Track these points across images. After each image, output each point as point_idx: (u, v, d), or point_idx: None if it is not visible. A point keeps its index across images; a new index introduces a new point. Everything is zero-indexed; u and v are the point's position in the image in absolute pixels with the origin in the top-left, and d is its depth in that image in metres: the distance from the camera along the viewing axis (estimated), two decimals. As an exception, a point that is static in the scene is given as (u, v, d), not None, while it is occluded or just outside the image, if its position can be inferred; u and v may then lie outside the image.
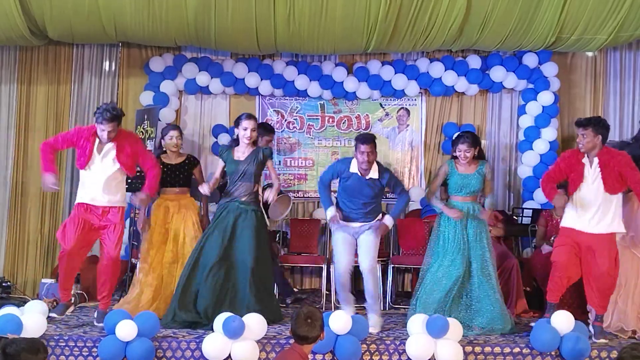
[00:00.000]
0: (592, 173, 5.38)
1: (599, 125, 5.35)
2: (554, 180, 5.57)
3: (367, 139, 5.63)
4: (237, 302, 5.67)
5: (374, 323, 5.56)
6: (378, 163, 5.75)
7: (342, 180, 5.76)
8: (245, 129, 5.87)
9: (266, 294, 5.85)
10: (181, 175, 6.34)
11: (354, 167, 5.69)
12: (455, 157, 5.89)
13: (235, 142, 6.05)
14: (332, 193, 6.02)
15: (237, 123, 5.99)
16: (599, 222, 5.35)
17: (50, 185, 5.47)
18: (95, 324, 5.59)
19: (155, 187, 5.81)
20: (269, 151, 5.98)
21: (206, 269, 5.71)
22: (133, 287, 6.17)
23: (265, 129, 6.84)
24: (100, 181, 5.51)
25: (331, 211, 5.74)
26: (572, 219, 5.48)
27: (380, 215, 5.84)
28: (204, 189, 5.84)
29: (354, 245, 5.78)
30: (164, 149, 6.44)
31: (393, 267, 6.97)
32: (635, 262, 5.67)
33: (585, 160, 5.43)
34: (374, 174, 5.68)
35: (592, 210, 5.37)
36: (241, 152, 5.95)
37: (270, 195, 5.85)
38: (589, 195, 5.39)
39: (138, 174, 6.68)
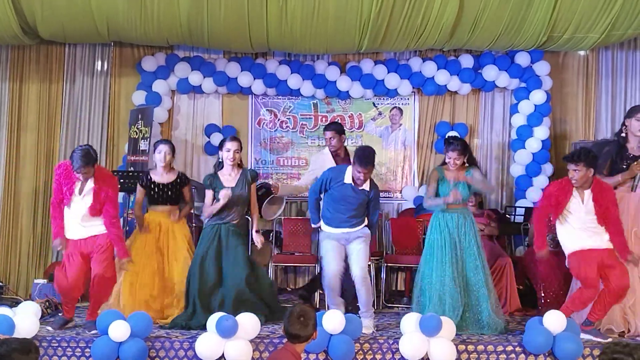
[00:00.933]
0: (585, 205, 5.39)
1: (589, 158, 5.32)
2: (547, 221, 5.64)
3: (368, 163, 5.63)
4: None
5: (367, 325, 5.56)
6: (371, 180, 5.81)
7: (333, 188, 5.77)
8: (229, 151, 5.90)
9: (270, 296, 5.96)
10: (172, 194, 6.21)
11: (348, 178, 5.72)
12: (444, 164, 5.90)
13: (219, 166, 6.05)
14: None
15: (220, 146, 6.03)
16: (601, 237, 5.39)
17: (59, 249, 5.76)
18: (87, 332, 5.47)
19: (125, 249, 5.63)
20: (255, 173, 6.11)
21: (207, 286, 5.77)
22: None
23: (337, 129, 6.71)
24: (79, 217, 5.47)
25: (318, 225, 5.93)
26: (572, 242, 5.45)
27: (365, 221, 5.87)
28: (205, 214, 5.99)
29: (343, 251, 5.82)
30: (155, 164, 6.31)
31: (386, 266, 6.98)
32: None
33: (575, 193, 5.43)
34: (366, 185, 5.75)
35: (589, 230, 5.40)
36: (228, 176, 5.96)
37: (257, 240, 5.99)
38: (579, 222, 5.41)
39: (138, 173, 6.65)
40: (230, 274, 5.81)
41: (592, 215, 5.38)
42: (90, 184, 5.44)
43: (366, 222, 5.86)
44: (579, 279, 5.48)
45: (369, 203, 5.83)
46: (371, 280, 6.77)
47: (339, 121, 7.75)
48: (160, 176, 6.21)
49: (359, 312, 5.71)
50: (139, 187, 6.22)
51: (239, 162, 6.02)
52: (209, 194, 5.96)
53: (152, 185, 6.17)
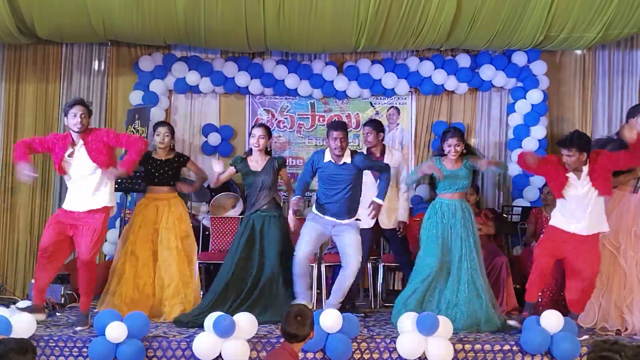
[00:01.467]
0: (581, 183, 5.37)
1: (582, 142, 5.31)
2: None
3: (339, 126, 5.76)
4: (257, 303, 5.80)
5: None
6: (350, 149, 5.81)
7: (319, 171, 5.83)
8: (254, 136, 6.06)
9: (283, 299, 5.91)
10: (170, 171, 6.15)
11: (327, 156, 5.77)
12: (442, 155, 5.88)
13: (250, 152, 6.18)
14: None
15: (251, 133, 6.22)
16: (588, 224, 5.38)
17: (26, 173, 5.26)
18: (75, 328, 5.45)
19: (132, 163, 5.58)
20: (282, 160, 6.16)
21: (238, 277, 5.88)
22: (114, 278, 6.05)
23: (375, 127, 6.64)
24: (78, 186, 5.47)
25: (295, 198, 5.85)
26: (560, 220, 5.49)
27: (354, 215, 5.85)
28: (217, 167, 5.98)
29: (322, 238, 5.90)
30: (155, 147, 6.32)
31: (384, 266, 6.98)
32: (616, 263, 5.70)
33: (570, 174, 5.42)
34: (346, 159, 5.75)
35: (580, 214, 5.39)
36: (256, 162, 6.06)
37: (291, 222, 5.91)
38: (576, 201, 5.40)
39: (137, 173, 6.63)
40: (265, 260, 5.92)
41: (591, 190, 5.35)
42: (80, 145, 5.43)
43: (356, 215, 5.83)
44: (534, 255, 5.55)
45: (373, 168, 5.85)
46: (368, 280, 6.82)
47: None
48: (158, 155, 6.21)
49: (328, 299, 5.75)
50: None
51: (268, 149, 6.15)
52: (229, 169, 6.13)
53: (150, 161, 6.14)
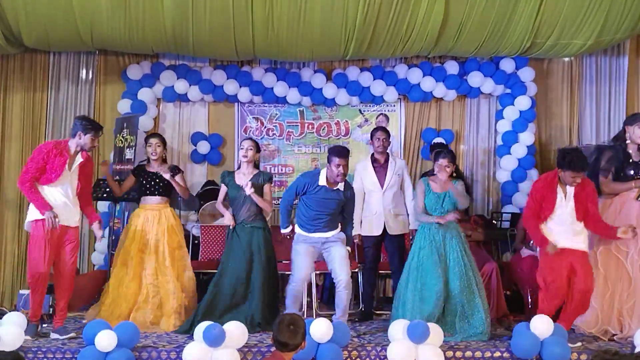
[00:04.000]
0: (566, 202, 5.47)
1: (588, 167, 5.49)
2: (537, 216, 5.58)
3: (343, 153, 5.67)
4: (241, 312, 5.88)
5: None
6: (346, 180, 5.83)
7: (309, 193, 5.75)
8: (242, 148, 6.14)
9: (270, 308, 6.02)
10: (161, 183, 6.29)
11: (322, 180, 5.71)
12: (428, 175, 5.92)
13: (239, 166, 6.28)
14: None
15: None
16: (577, 240, 5.45)
17: (51, 217, 5.44)
18: (60, 336, 5.54)
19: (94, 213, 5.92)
20: (269, 176, 6.18)
21: (229, 289, 5.95)
22: (105, 294, 6.14)
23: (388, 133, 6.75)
24: (66, 198, 5.55)
25: (287, 230, 5.96)
26: (551, 238, 5.50)
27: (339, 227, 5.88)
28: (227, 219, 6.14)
29: (315, 256, 5.85)
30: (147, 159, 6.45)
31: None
32: (622, 268, 5.73)
33: (559, 189, 5.51)
34: (340, 186, 5.74)
35: (568, 230, 5.46)
36: (243, 175, 6.13)
37: (247, 189, 5.93)
38: (562, 218, 5.48)
39: (118, 182, 6.65)
40: (253, 272, 5.99)
41: (572, 212, 5.45)
42: (79, 158, 5.60)
43: (339, 227, 5.86)
44: (542, 281, 5.52)
45: (344, 207, 5.82)
46: (359, 287, 6.81)
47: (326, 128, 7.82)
48: (150, 168, 6.37)
49: (333, 317, 5.71)
50: (130, 176, 6.43)
51: (256, 163, 6.24)
52: (222, 189, 6.20)
53: (143, 173, 6.26)
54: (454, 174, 5.86)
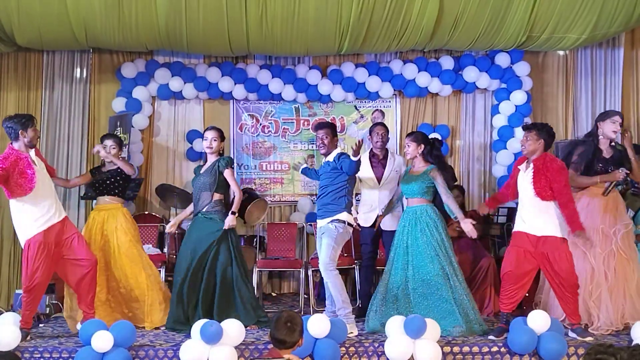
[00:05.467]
0: (525, 177, 5.49)
1: (542, 130, 5.49)
2: (504, 187, 5.83)
3: (321, 125, 5.93)
4: (219, 308, 5.78)
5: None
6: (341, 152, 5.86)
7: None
8: (206, 139, 6.01)
9: (245, 298, 5.88)
10: (116, 183, 6.17)
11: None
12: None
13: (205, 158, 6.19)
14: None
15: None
16: (543, 224, 5.41)
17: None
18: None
19: None
20: (225, 161, 5.98)
21: (186, 282, 5.80)
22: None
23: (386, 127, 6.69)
24: (52, 195, 5.49)
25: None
26: (518, 222, 5.56)
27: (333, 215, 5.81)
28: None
29: None
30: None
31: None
32: (587, 260, 5.76)
33: (522, 165, 5.57)
34: (330, 157, 5.83)
35: (532, 213, 5.45)
36: (206, 165, 6.05)
37: (227, 223, 5.85)
38: (525, 199, 5.49)
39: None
40: (217, 264, 5.86)
41: (530, 187, 5.43)
42: (34, 157, 5.45)
43: (334, 216, 5.76)
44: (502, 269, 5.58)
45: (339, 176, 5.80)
46: (355, 283, 6.81)
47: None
48: (107, 167, 6.26)
49: (325, 310, 5.76)
50: (87, 174, 6.36)
51: (221, 152, 6.08)
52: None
53: (96, 172, 6.23)
54: (427, 159, 5.87)
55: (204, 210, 5.93)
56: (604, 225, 5.76)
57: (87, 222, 6.25)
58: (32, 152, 5.44)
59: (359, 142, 5.50)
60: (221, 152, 6.09)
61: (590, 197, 5.84)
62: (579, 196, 5.83)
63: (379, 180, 6.44)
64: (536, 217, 5.42)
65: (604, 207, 5.81)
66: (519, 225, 5.54)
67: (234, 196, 6.05)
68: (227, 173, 5.95)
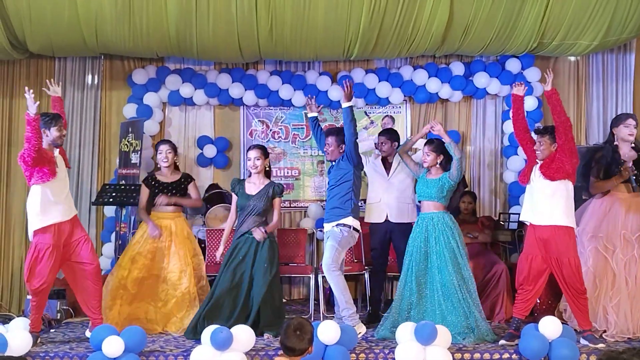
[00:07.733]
0: (536, 168, 5.62)
1: (555, 133, 5.52)
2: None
3: (326, 133, 6.14)
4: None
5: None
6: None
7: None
8: (249, 159, 6.00)
9: (277, 316, 5.88)
10: (177, 193, 6.23)
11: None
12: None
13: (249, 174, 6.14)
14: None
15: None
16: (550, 210, 5.44)
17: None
18: None
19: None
20: (279, 189, 6.05)
21: (226, 293, 5.79)
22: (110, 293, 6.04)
23: (390, 137, 6.71)
24: (66, 190, 5.53)
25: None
26: (526, 209, 5.64)
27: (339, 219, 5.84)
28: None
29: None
30: (158, 166, 6.41)
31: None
32: (608, 265, 5.74)
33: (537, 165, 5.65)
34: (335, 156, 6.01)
35: (540, 198, 5.51)
36: (253, 184, 6.02)
37: (256, 234, 5.86)
38: (537, 187, 5.55)
39: (124, 186, 6.63)
40: (254, 284, 5.85)
41: (543, 181, 5.50)
42: (57, 154, 5.54)
43: (339, 220, 5.81)
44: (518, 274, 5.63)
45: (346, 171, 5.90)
46: (365, 290, 6.79)
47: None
48: (164, 177, 6.29)
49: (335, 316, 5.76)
50: (143, 187, 6.28)
51: (267, 169, 6.10)
52: (233, 198, 6.08)
53: (156, 184, 6.19)
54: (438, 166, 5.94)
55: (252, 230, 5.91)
56: (625, 230, 5.76)
57: (140, 228, 6.23)
58: (56, 152, 5.50)
59: (349, 84, 5.89)
60: (267, 167, 6.10)
61: (612, 202, 5.83)
62: (601, 201, 5.84)
63: (387, 172, 6.54)
64: (544, 202, 5.46)
65: (625, 213, 5.79)
66: (526, 215, 5.60)
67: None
68: (276, 201, 6.00)
